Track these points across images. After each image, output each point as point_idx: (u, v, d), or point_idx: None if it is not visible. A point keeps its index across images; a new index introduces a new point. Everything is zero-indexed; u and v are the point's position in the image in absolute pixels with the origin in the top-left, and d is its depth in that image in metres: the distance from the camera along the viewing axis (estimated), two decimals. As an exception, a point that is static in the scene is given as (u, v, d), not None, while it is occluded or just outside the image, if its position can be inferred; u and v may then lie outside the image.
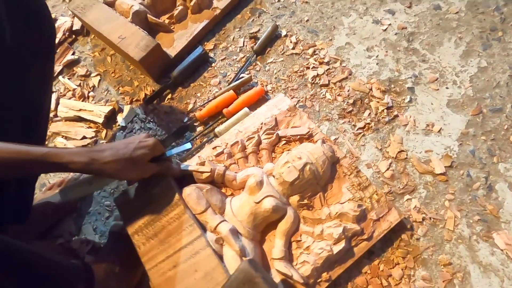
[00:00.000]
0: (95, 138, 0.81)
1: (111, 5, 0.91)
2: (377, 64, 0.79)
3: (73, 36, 1.00)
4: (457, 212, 0.61)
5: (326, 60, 0.82)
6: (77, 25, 1.00)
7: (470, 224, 0.60)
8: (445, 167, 0.65)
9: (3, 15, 0.46)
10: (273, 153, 0.69)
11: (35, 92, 0.54)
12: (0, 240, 0.37)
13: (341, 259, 0.57)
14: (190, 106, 0.82)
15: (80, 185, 0.58)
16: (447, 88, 0.74)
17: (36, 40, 0.52)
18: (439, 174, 0.65)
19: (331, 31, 0.86)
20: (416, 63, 0.78)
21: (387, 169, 0.66)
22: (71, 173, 0.77)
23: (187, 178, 0.64)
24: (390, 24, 0.84)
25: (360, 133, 0.71)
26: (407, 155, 0.68)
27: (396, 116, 0.72)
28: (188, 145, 0.65)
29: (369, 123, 0.72)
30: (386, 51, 0.81)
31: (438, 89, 0.74)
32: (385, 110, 0.73)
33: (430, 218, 0.61)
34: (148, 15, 0.89)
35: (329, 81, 0.79)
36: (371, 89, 0.76)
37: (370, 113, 0.73)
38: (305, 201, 0.60)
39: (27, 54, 0.51)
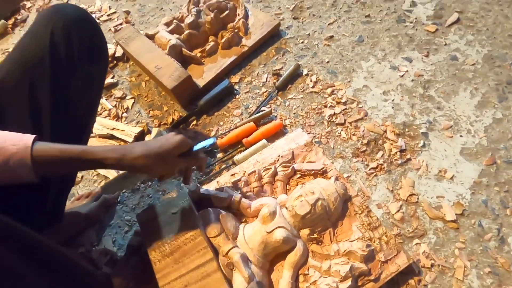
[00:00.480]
0: (123, 156, 0.88)
1: (152, 38, 1.02)
2: (392, 107, 0.83)
3: (115, 61, 1.12)
4: (467, 262, 0.61)
5: (343, 100, 0.87)
6: (119, 53, 1.12)
7: (480, 276, 0.60)
8: (456, 214, 0.66)
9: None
10: (287, 185, 0.73)
11: (85, 116, 0.62)
12: (47, 245, 0.42)
13: (347, 297, 0.57)
14: (213, 133, 0.88)
15: (117, 181, 0.67)
16: (461, 136, 0.76)
17: (95, 69, 0.61)
18: (450, 221, 0.65)
19: (350, 73, 0.92)
20: (431, 109, 0.81)
21: (397, 211, 0.68)
22: (99, 186, 0.83)
23: (205, 201, 0.68)
24: (407, 71, 0.89)
25: (372, 173, 0.74)
26: (418, 199, 0.69)
27: (409, 159, 0.75)
28: (211, 140, 0.71)
29: (381, 164, 0.75)
30: (402, 96, 0.85)
31: (452, 136, 0.76)
32: (398, 153, 0.75)
33: (439, 265, 0.61)
34: (183, 49, 0.99)
35: (345, 120, 0.83)
36: (385, 131, 0.79)
37: (383, 154, 0.76)
38: (315, 236, 0.63)
39: (85, 82, 0.59)
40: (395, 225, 0.67)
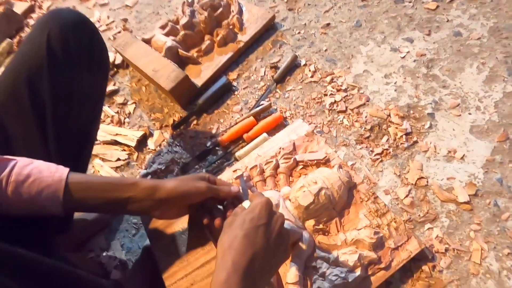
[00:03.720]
0: (127, 160, 0.89)
1: (148, 42, 1.03)
2: (395, 90, 0.80)
3: (115, 69, 1.13)
4: (484, 244, 0.58)
5: (343, 87, 0.84)
6: (118, 60, 1.13)
7: (499, 258, 0.56)
8: (469, 195, 0.62)
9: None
10: (290, 177, 0.71)
11: (88, 124, 0.62)
12: (48, 265, 0.40)
13: (357, 287, 0.56)
14: (214, 131, 0.88)
15: None
16: (469, 114, 0.72)
17: (95, 76, 0.61)
18: (463, 202, 0.62)
19: (349, 60, 0.90)
20: (436, 89, 0.78)
21: (406, 196, 0.65)
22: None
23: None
24: (408, 52, 0.86)
25: (378, 159, 0.71)
26: (427, 182, 0.66)
27: (416, 142, 0.72)
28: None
29: (387, 149, 0.72)
30: (405, 78, 0.82)
31: (460, 115, 0.73)
32: (404, 136, 0.73)
33: (454, 250, 0.58)
34: (179, 50, 0.99)
35: (346, 107, 0.81)
36: (389, 115, 0.77)
37: (388, 139, 0.74)
38: (321, 226, 0.61)
39: (87, 89, 0.59)
40: (405, 210, 0.64)
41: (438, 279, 0.56)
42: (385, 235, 0.59)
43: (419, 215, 0.63)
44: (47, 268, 0.40)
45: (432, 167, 0.68)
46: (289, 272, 0.58)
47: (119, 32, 1.26)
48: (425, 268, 0.58)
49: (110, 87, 1.07)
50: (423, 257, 0.58)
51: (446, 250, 0.59)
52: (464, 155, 0.67)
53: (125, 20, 1.29)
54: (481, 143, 0.68)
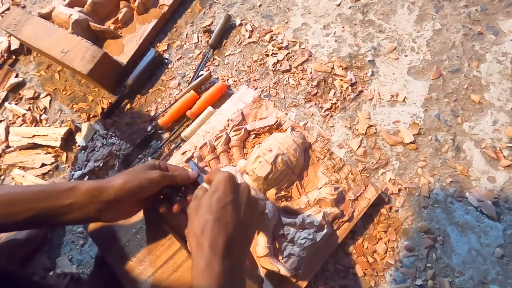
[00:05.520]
0: (55, 163, 0.76)
1: (47, 17, 0.84)
2: (335, 41, 0.78)
3: (13, 56, 0.92)
4: (430, 178, 0.62)
5: (284, 44, 0.79)
6: (15, 45, 0.92)
7: (443, 187, 0.61)
8: (413, 135, 0.65)
9: None
10: (244, 149, 0.67)
11: None
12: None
13: (326, 244, 0.57)
14: (152, 113, 0.78)
15: None
16: (406, 56, 0.74)
17: None
18: (409, 143, 0.65)
19: (286, 13, 0.84)
20: (374, 34, 0.77)
21: (359, 146, 0.66)
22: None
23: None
24: (343, -2, 0.83)
25: (328, 114, 0.71)
26: (376, 129, 0.68)
27: (361, 91, 0.72)
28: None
29: (335, 103, 0.71)
30: (343, 27, 0.80)
31: (397, 58, 0.74)
32: (349, 87, 0.72)
33: (405, 188, 0.62)
34: (90, 23, 0.83)
35: (290, 66, 0.77)
36: (333, 68, 0.75)
37: (335, 93, 0.72)
38: (283, 193, 0.59)
39: None
40: (359, 160, 0.66)
41: (396, 218, 0.60)
42: (344, 188, 0.60)
43: (372, 163, 0.65)
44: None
45: (379, 114, 0.69)
46: (258, 246, 0.56)
47: (8, 9, 1.01)
48: (383, 211, 0.61)
49: (11, 80, 0.88)
50: (380, 202, 0.61)
51: (399, 190, 0.62)
52: (405, 97, 0.69)
53: (13, -7, 1.03)
54: (418, 83, 0.71)
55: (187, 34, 0.86)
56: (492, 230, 0.57)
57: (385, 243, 0.58)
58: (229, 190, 0.40)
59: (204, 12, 0.88)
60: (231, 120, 0.68)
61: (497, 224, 0.57)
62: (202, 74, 0.78)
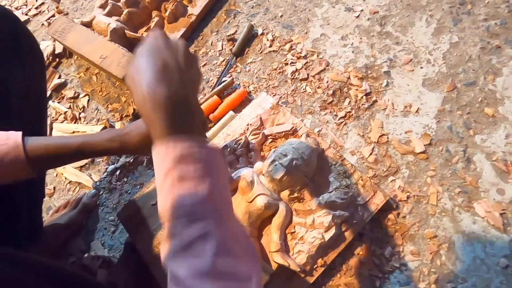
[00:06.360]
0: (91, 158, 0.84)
1: (89, 25, 0.93)
2: (352, 52, 0.82)
3: (57, 59, 1.02)
4: (439, 187, 0.64)
5: (303, 54, 0.84)
6: (59, 49, 1.02)
7: (452, 197, 0.63)
8: (424, 145, 0.68)
9: None
10: (262, 152, 0.73)
11: (33, 125, 0.58)
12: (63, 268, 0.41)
13: (334, 244, 0.61)
14: (178, 115, 0.85)
15: None
16: (421, 67, 0.76)
17: (29, 70, 0.55)
18: (419, 152, 0.68)
19: (306, 24, 0.88)
20: (390, 46, 0.80)
21: (370, 154, 0.70)
22: (77, 194, 0.81)
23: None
24: (362, 10, 0.86)
25: (342, 122, 0.74)
26: (388, 138, 0.71)
27: (375, 101, 0.75)
28: None
29: (349, 112, 0.75)
30: (361, 38, 0.83)
31: (413, 70, 0.76)
32: (364, 97, 0.75)
33: (414, 196, 0.65)
34: (126, 31, 0.91)
35: (308, 74, 0.81)
36: (349, 78, 0.78)
37: (350, 102, 0.76)
38: (295, 195, 0.64)
39: (23, 86, 0.54)
40: (370, 167, 0.69)
41: (403, 224, 0.63)
42: (354, 193, 0.64)
43: (382, 170, 0.68)
44: (56, 270, 0.41)
45: (391, 123, 0.72)
46: (271, 242, 0.62)
47: (53, 16, 1.12)
48: (390, 216, 0.64)
49: (55, 81, 0.97)
50: (388, 207, 0.64)
51: (408, 197, 0.65)
52: (418, 108, 0.72)
53: (57, 1, 1.14)
54: (432, 95, 0.73)
55: (212, 42, 0.92)
56: (498, 240, 0.59)
57: (391, 247, 0.61)
58: (162, 43, 0.35)
59: (229, 22, 0.94)
60: (250, 124, 0.74)
61: (504, 235, 0.59)
62: (225, 80, 0.84)
